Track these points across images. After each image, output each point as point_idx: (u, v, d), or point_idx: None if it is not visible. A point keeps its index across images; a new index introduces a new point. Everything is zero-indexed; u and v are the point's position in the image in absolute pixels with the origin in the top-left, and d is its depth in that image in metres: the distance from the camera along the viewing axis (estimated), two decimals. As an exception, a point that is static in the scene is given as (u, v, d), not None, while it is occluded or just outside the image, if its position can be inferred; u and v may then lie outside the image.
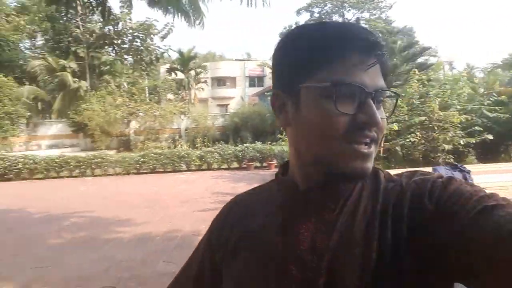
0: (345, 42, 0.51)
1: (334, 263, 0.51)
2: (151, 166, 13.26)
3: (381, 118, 0.52)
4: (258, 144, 14.06)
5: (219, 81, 40.05)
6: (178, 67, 30.21)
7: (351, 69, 0.51)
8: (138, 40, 23.65)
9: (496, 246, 0.40)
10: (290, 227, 0.58)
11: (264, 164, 13.31)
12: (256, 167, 13.26)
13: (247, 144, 14.29)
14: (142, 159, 13.19)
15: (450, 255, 0.45)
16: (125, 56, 24.73)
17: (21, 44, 25.10)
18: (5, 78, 18.80)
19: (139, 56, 23.86)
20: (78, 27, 22.72)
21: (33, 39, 26.78)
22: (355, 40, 0.51)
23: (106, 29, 22.51)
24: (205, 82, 33.00)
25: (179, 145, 17.61)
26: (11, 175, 12.50)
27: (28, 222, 6.70)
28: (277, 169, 0.72)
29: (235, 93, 38.01)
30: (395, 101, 0.56)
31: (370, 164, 0.53)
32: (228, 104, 35.41)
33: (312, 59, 0.53)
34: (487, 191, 0.48)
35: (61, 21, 23.35)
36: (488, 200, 0.45)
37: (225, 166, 13.68)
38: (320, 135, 0.53)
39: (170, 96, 30.13)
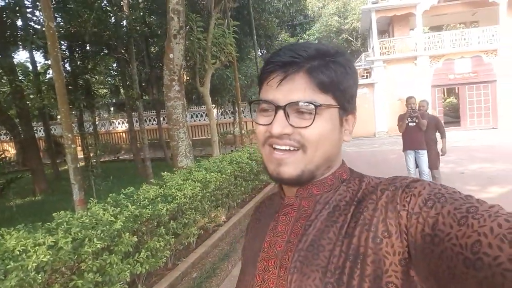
0: (266, 66, 0.63)
1: (302, 264, 0.58)
2: None
3: (301, 126, 0.59)
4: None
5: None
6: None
7: (267, 88, 0.62)
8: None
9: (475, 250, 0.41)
10: (275, 229, 0.68)
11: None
12: None
13: None
14: None
15: (424, 259, 0.47)
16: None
17: None
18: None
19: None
20: None
21: None
22: (270, 63, 0.61)
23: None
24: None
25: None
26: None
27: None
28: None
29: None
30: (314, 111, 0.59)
31: (286, 169, 0.61)
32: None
33: (258, 82, 0.67)
34: (462, 193, 0.50)
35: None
36: (463, 203, 0.47)
37: None
38: (257, 142, 0.66)
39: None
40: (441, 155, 6.06)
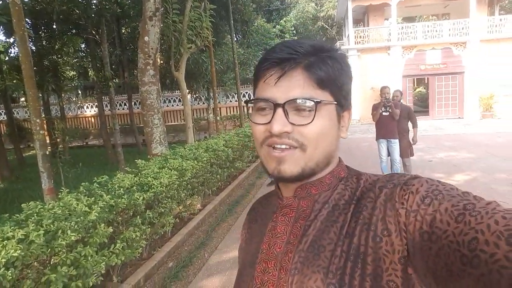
0: (261, 63, 0.61)
1: (303, 265, 0.57)
2: None
3: (301, 124, 0.57)
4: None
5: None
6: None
7: (264, 86, 0.60)
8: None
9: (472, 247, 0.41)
10: (274, 230, 0.66)
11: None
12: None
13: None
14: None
15: (422, 256, 0.46)
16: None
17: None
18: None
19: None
20: None
21: None
22: (266, 60, 0.60)
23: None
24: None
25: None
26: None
27: None
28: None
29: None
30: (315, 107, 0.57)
31: (287, 167, 0.59)
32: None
33: (253, 82, 0.65)
34: (460, 190, 0.50)
35: None
36: (461, 200, 0.47)
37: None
38: (255, 142, 0.65)
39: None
40: (413, 144, 6.25)
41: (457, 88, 17.37)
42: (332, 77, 0.59)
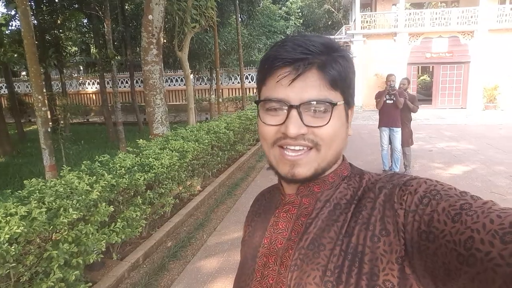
0: (272, 62, 0.59)
1: (303, 262, 0.58)
2: None
3: (316, 126, 0.57)
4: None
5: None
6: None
7: (276, 86, 0.58)
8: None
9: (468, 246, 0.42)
10: (276, 226, 0.67)
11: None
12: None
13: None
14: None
15: (420, 256, 0.47)
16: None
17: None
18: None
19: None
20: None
21: None
22: (277, 59, 0.58)
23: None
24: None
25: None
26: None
27: None
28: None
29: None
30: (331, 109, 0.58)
31: (300, 170, 0.59)
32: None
33: (259, 79, 0.64)
34: (458, 190, 0.51)
35: None
36: (458, 200, 0.47)
37: None
38: (262, 141, 0.63)
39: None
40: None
41: (461, 78, 17.19)
42: (343, 77, 0.59)
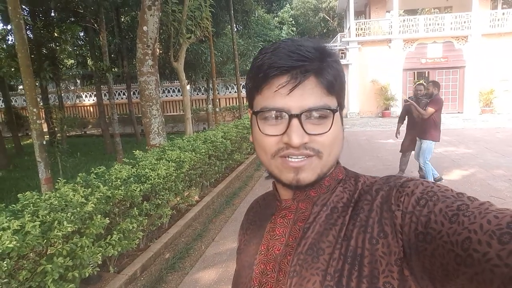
0: (267, 70, 0.56)
1: (302, 268, 0.57)
2: None
3: (318, 133, 0.56)
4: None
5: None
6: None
7: (275, 95, 0.56)
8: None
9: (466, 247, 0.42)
10: (272, 232, 0.66)
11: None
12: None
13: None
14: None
15: (418, 257, 0.47)
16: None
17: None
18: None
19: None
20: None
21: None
22: (272, 68, 0.56)
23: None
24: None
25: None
26: None
27: None
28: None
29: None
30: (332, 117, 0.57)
31: (305, 175, 0.58)
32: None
33: (251, 87, 0.61)
34: (454, 191, 0.50)
35: None
36: (455, 201, 0.47)
37: None
38: (260, 153, 0.62)
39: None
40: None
41: (457, 83, 17.31)
42: (338, 82, 0.59)
